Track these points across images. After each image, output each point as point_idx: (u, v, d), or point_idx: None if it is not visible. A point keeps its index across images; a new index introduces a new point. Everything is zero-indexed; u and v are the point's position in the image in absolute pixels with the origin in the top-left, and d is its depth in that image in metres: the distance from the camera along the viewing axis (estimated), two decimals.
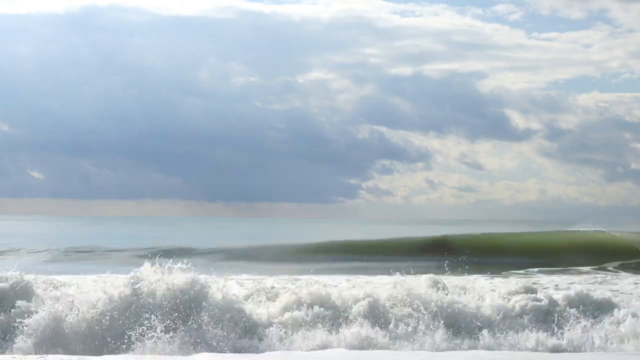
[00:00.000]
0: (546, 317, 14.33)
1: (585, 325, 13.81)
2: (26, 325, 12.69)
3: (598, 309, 14.71)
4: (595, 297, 15.15)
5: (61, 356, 11.66)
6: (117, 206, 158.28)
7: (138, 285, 13.23)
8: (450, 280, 15.80)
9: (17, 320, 12.85)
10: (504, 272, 26.09)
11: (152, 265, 13.56)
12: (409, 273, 16.00)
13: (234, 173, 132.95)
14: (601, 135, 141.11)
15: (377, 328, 13.33)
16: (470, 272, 21.78)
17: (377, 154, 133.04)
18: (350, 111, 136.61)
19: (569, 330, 13.73)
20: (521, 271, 27.02)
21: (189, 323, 12.87)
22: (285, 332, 13.23)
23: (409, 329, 13.46)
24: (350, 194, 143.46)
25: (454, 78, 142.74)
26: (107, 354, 12.07)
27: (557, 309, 14.58)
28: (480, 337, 13.38)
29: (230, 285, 15.68)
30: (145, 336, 12.39)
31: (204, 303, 13.24)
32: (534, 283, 19.29)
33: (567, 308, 14.65)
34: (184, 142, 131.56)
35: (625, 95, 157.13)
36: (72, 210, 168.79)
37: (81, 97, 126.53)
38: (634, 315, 14.21)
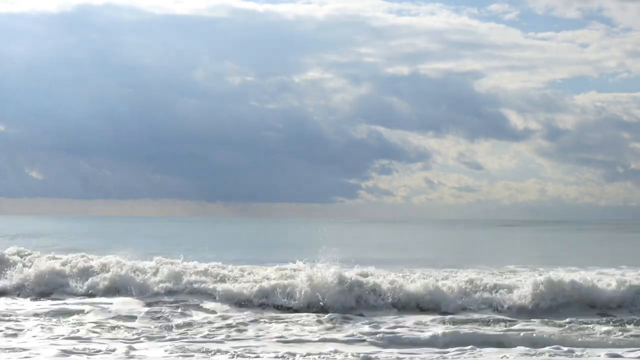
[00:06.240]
0: None
1: None
2: None
3: None
4: None
5: None
6: (116, 206, 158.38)
7: None
8: None
9: None
10: None
11: None
12: None
13: (233, 173, 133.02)
14: (600, 135, 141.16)
15: None
16: None
17: (375, 153, 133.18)
18: (348, 111, 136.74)
19: None
20: None
21: None
22: None
23: None
24: (350, 194, 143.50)
25: (451, 77, 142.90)
26: None
27: None
28: None
29: None
30: None
31: None
32: None
33: None
34: (181, 142, 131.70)
35: (622, 95, 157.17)
36: (71, 211, 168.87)
37: (75, 96, 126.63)
38: None
